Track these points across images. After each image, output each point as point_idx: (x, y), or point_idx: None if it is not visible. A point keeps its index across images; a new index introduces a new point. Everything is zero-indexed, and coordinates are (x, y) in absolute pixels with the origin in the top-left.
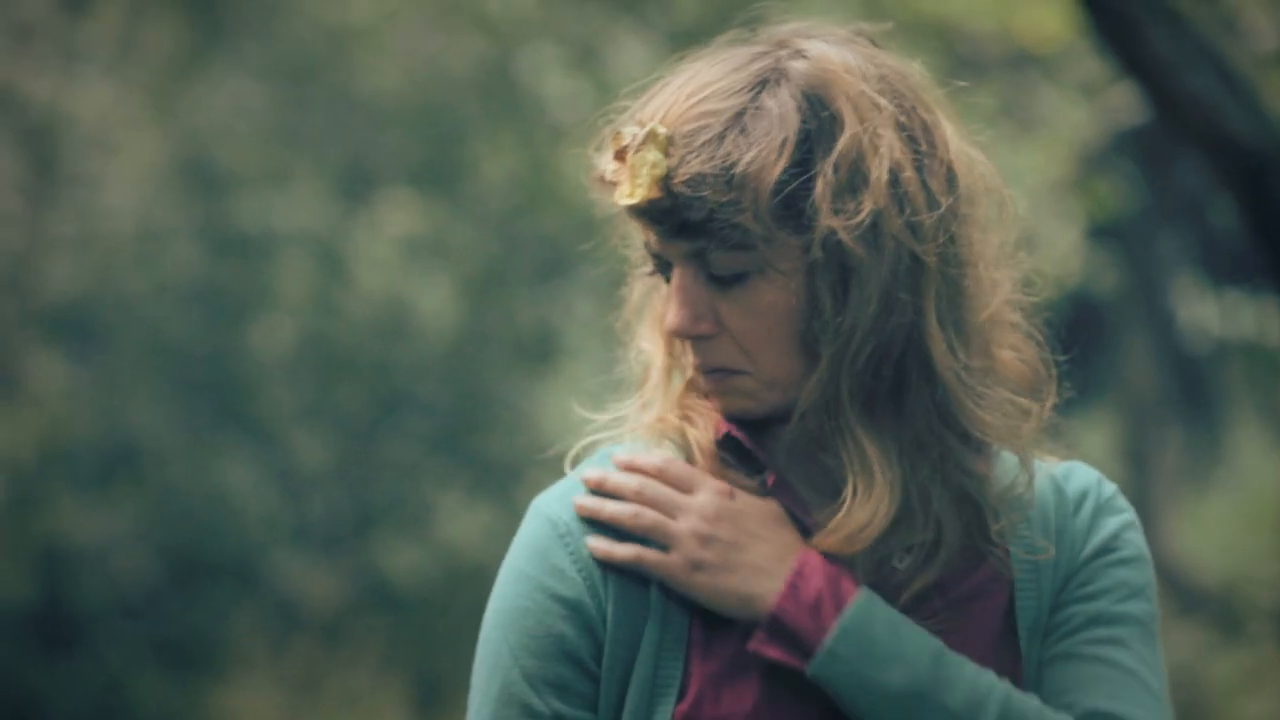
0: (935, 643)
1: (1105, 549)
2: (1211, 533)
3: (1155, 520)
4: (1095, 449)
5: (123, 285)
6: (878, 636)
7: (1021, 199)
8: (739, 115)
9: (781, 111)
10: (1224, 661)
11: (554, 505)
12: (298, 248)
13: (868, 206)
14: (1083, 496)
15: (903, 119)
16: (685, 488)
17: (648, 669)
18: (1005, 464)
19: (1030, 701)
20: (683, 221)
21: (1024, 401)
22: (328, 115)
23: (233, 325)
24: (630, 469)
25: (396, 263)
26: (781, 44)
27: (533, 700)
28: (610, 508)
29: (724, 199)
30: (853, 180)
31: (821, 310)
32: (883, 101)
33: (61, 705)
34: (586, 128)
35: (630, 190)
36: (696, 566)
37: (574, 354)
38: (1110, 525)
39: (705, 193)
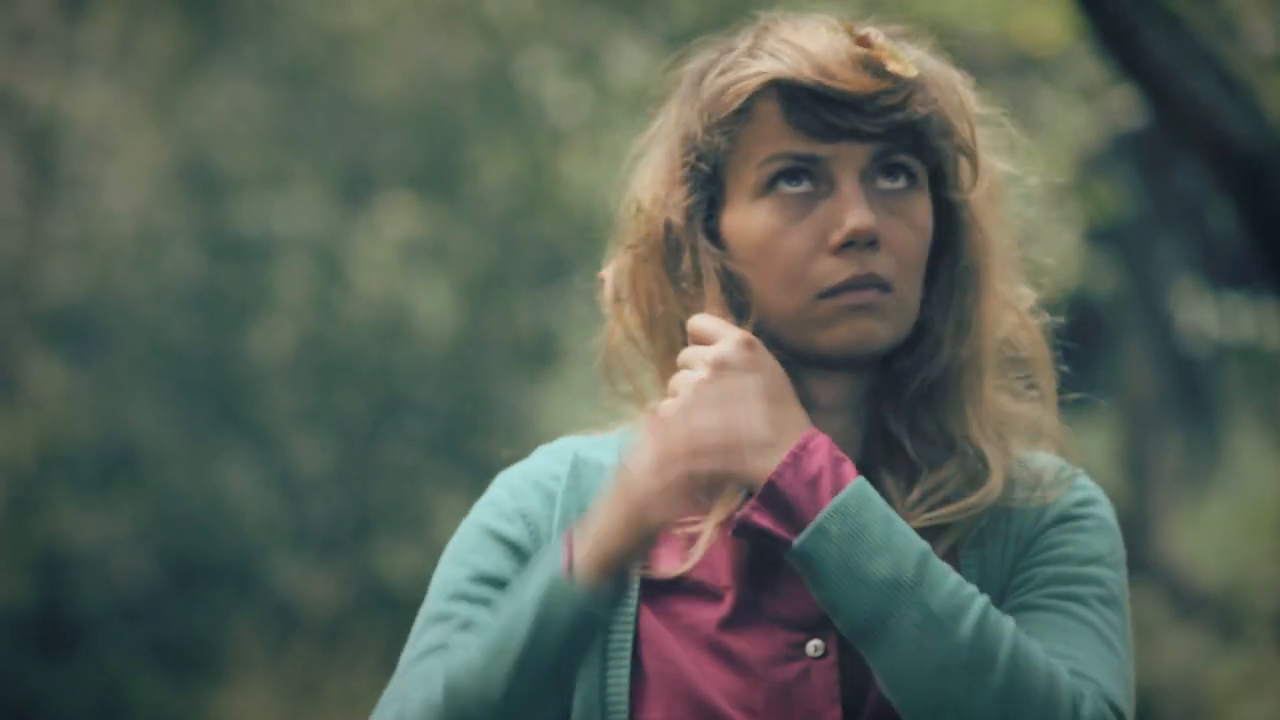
0: (923, 544)
1: (1067, 516)
2: (1211, 536)
3: (1154, 524)
4: (1094, 452)
5: (122, 288)
6: (869, 523)
7: (1020, 203)
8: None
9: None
10: (1223, 665)
11: (511, 475)
12: (297, 251)
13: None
14: (1041, 471)
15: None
16: (709, 339)
17: (599, 639)
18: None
19: (1007, 621)
20: (894, 117)
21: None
22: (327, 118)
23: (232, 328)
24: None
25: (396, 266)
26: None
27: (456, 608)
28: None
29: (928, 98)
30: (968, 133)
31: (957, 249)
32: None
33: (61, 708)
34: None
35: (890, 66)
36: (696, 403)
37: (574, 357)
38: (1073, 496)
39: (905, 94)
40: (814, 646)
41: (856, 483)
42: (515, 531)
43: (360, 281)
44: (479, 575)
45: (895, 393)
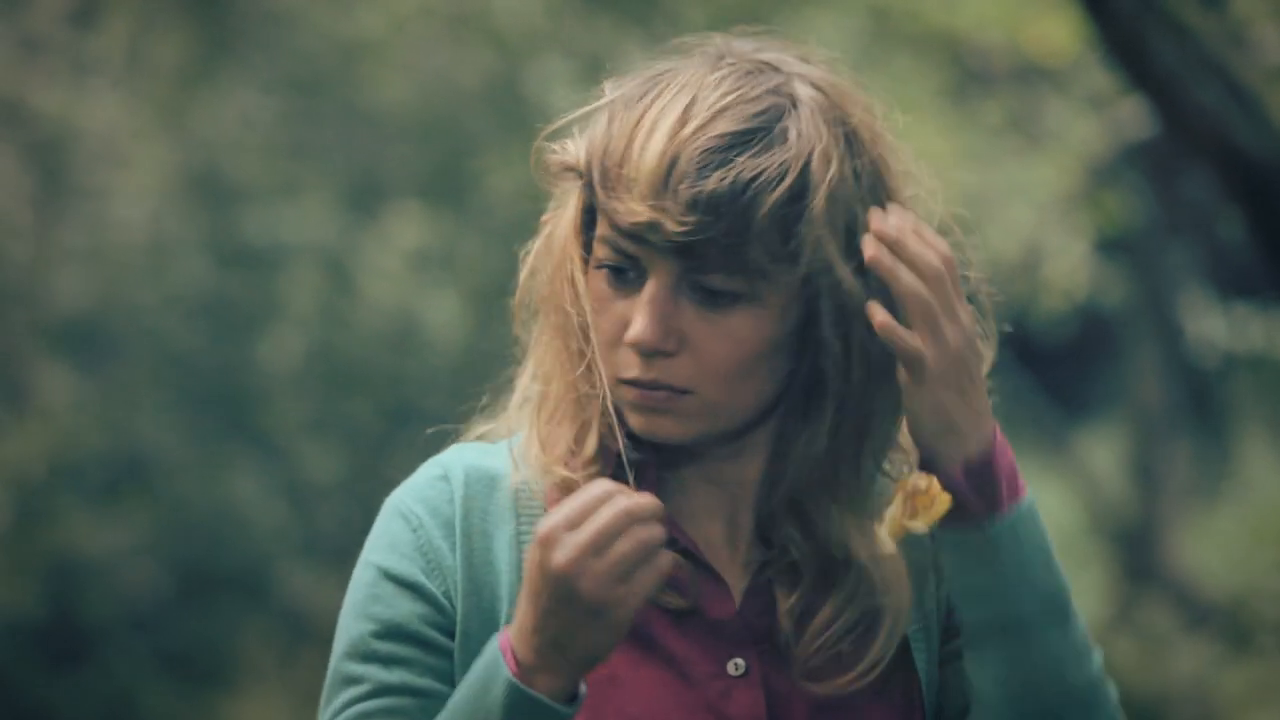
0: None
1: None
2: (1220, 546)
3: (1163, 533)
4: (1103, 462)
5: (131, 297)
6: (1043, 532)
7: (1029, 212)
8: (754, 136)
9: (797, 137)
10: (1233, 675)
11: (403, 500)
12: (306, 260)
13: (844, 271)
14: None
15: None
16: (959, 294)
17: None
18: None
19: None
20: (684, 242)
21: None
22: (336, 128)
23: (241, 338)
24: (927, 241)
25: (405, 275)
26: (774, 67)
27: (366, 670)
28: (905, 279)
29: (729, 222)
30: (849, 222)
31: (820, 349)
32: (865, 143)
33: (70, 717)
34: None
35: (634, 207)
36: (942, 376)
37: None
38: None
39: (715, 217)
40: (734, 665)
41: (1030, 488)
42: (417, 572)
43: (369, 291)
44: (387, 629)
45: (778, 465)
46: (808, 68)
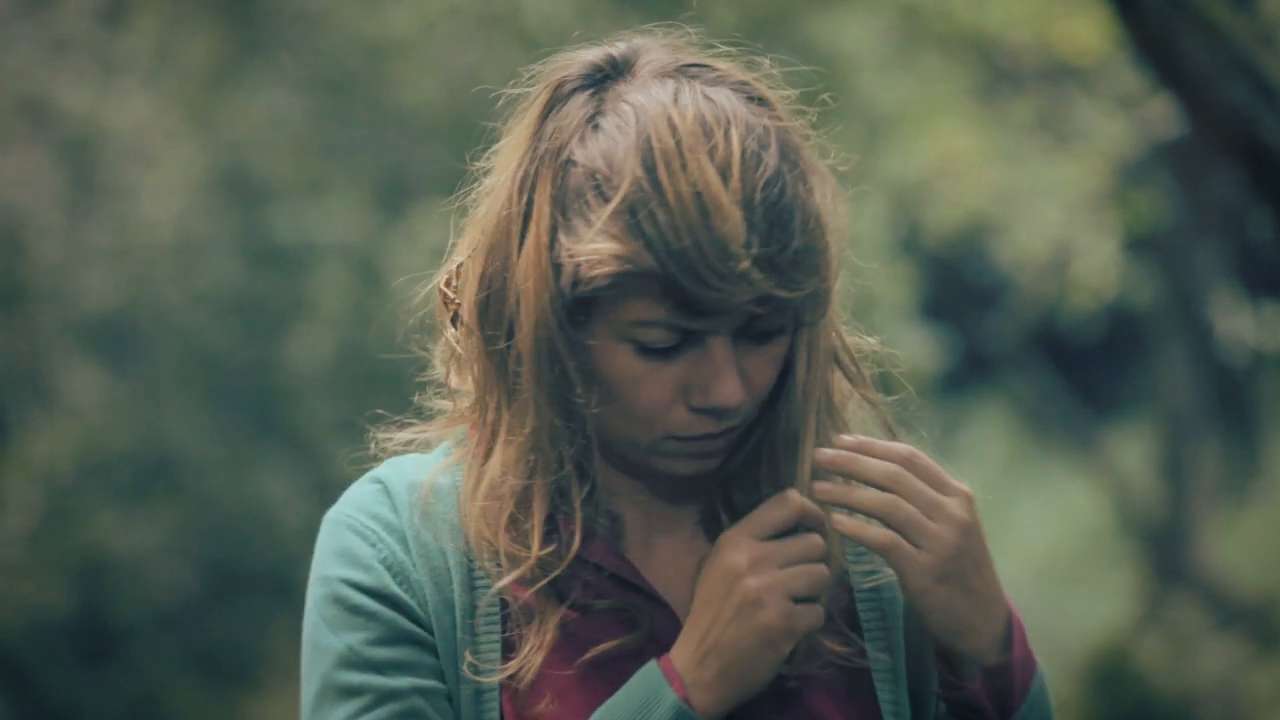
0: None
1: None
2: (1248, 545)
3: (1192, 532)
4: (1132, 461)
5: (160, 296)
6: (1049, 705)
7: (1059, 211)
8: (791, 171)
9: (817, 175)
10: (1261, 674)
11: (346, 514)
12: (335, 259)
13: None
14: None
15: None
16: (937, 485)
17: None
18: None
19: None
20: (775, 303)
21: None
22: (365, 127)
23: (270, 336)
24: (876, 454)
25: (433, 274)
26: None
27: (367, 680)
28: (863, 496)
29: (814, 273)
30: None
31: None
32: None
33: (99, 715)
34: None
35: (731, 292)
36: (943, 577)
37: None
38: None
39: (809, 266)
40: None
41: (1040, 662)
42: (389, 583)
43: (398, 290)
44: (379, 636)
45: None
46: (725, 68)
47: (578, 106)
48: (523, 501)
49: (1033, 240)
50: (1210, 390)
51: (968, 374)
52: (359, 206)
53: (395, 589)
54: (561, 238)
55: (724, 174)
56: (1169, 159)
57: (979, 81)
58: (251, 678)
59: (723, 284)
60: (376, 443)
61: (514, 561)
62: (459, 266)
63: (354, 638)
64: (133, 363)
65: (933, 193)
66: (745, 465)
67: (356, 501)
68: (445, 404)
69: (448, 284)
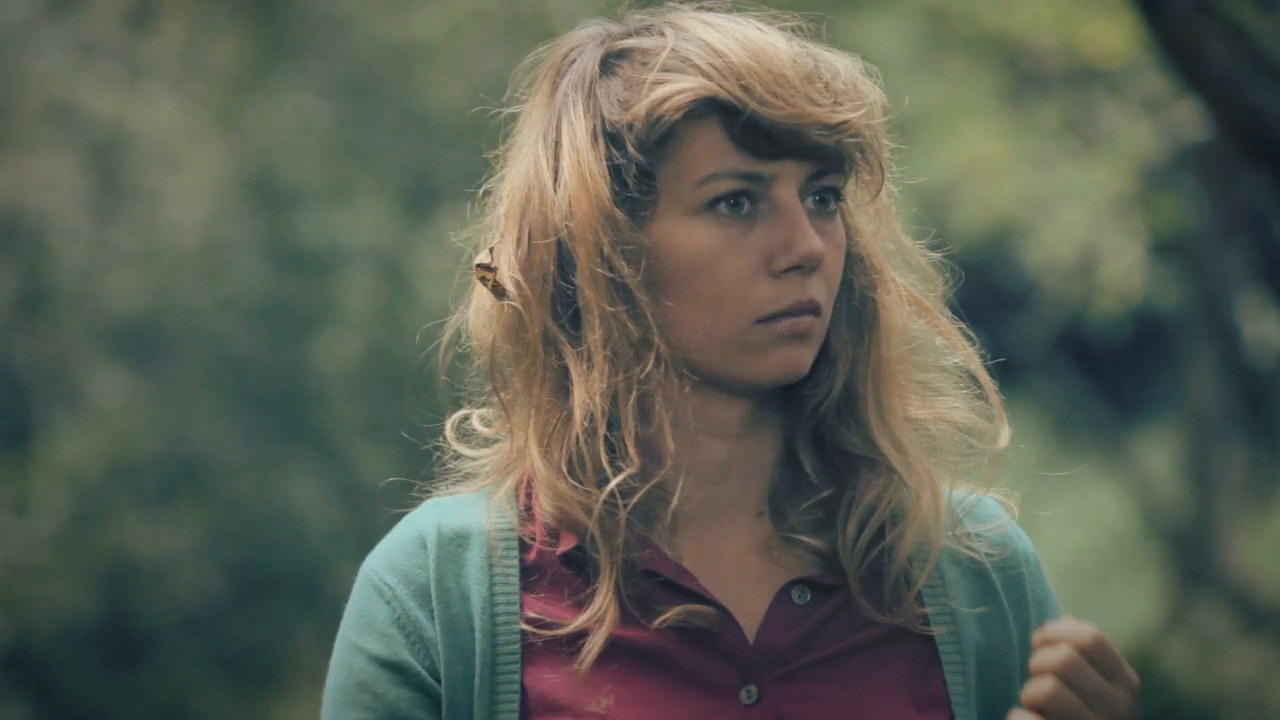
0: None
1: (1044, 592)
2: (1275, 549)
3: (1220, 536)
4: (1159, 465)
5: (187, 300)
6: None
7: (1085, 215)
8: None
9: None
10: None
11: (375, 569)
12: (361, 262)
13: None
14: (1020, 559)
15: None
16: (1110, 673)
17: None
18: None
19: None
20: (839, 138)
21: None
22: (391, 131)
23: (296, 340)
24: (1058, 638)
25: (459, 277)
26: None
27: None
28: (1032, 692)
29: (870, 113)
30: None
31: (867, 264)
32: None
33: (124, 719)
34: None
35: (800, 110)
36: None
37: None
38: (1055, 602)
39: (859, 106)
40: (746, 693)
41: None
42: (400, 649)
43: (424, 293)
44: (379, 717)
45: (798, 414)
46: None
47: (590, 53)
48: (606, 431)
49: (1059, 244)
50: (1237, 394)
51: (994, 377)
52: (385, 210)
53: (405, 655)
54: (610, 115)
55: (765, 32)
56: (1195, 162)
57: (1005, 85)
58: (277, 681)
59: (782, 103)
60: (421, 488)
61: (584, 510)
62: (491, 249)
63: (357, 715)
64: (159, 366)
65: (959, 196)
66: (803, 437)
67: (385, 553)
68: (485, 429)
69: (481, 266)
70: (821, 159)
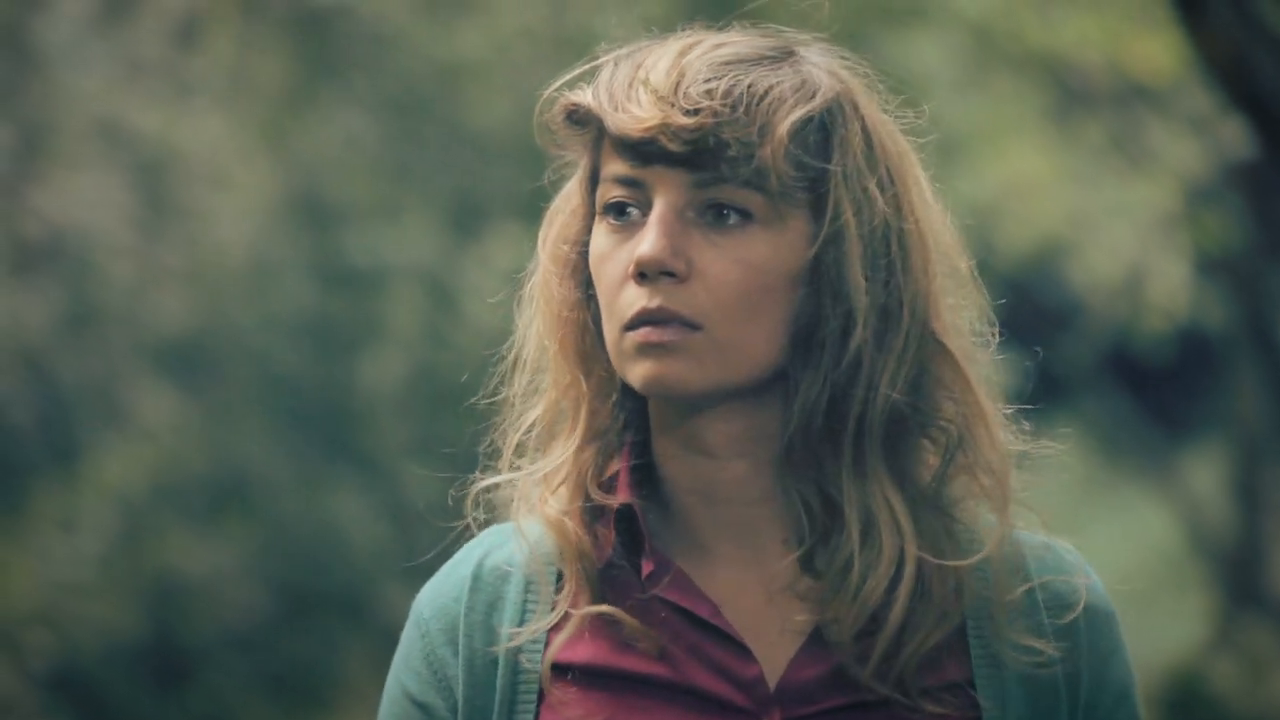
0: None
1: (1123, 696)
2: None
3: (1266, 556)
4: (1205, 483)
5: (233, 318)
6: None
7: (1131, 233)
8: (762, 59)
9: (810, 71)
10: None
11: (421, 600)
12: (408, 281)
13: (876, 195)
14: (1082, 611)
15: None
16: None
17: None
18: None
19: None
20: (695, 146)
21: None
22: (438, 149)
23: (343, 358)
24: None
25: (506, 297)
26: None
27: None
28: None
29: (744, 125)
30: (870, 162)
31: (837, 288)
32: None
33: None
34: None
35: (640, 114)
36: None
37: None
38: (1123, 659)
39: (724, 114)
40: None
41: None
42: (427, 689)
43: (471, 311)
44: None
45: (799, 433)
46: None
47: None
48: (598, 458)
49: (1105, 262)
50: None
51: (1039, 396)
52: (432, 228)
53: (431, 695)
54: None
55: (695, 42)
56: (1241, 180)
57: (1051, 103)
58: (324, 700)
59: (635, 107)
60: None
61: (594, 552)
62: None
63: None
64: (206, 384)
65: (1004, 214)
66: (803, 450)
67: (432, 584)
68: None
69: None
70: (696, 167)
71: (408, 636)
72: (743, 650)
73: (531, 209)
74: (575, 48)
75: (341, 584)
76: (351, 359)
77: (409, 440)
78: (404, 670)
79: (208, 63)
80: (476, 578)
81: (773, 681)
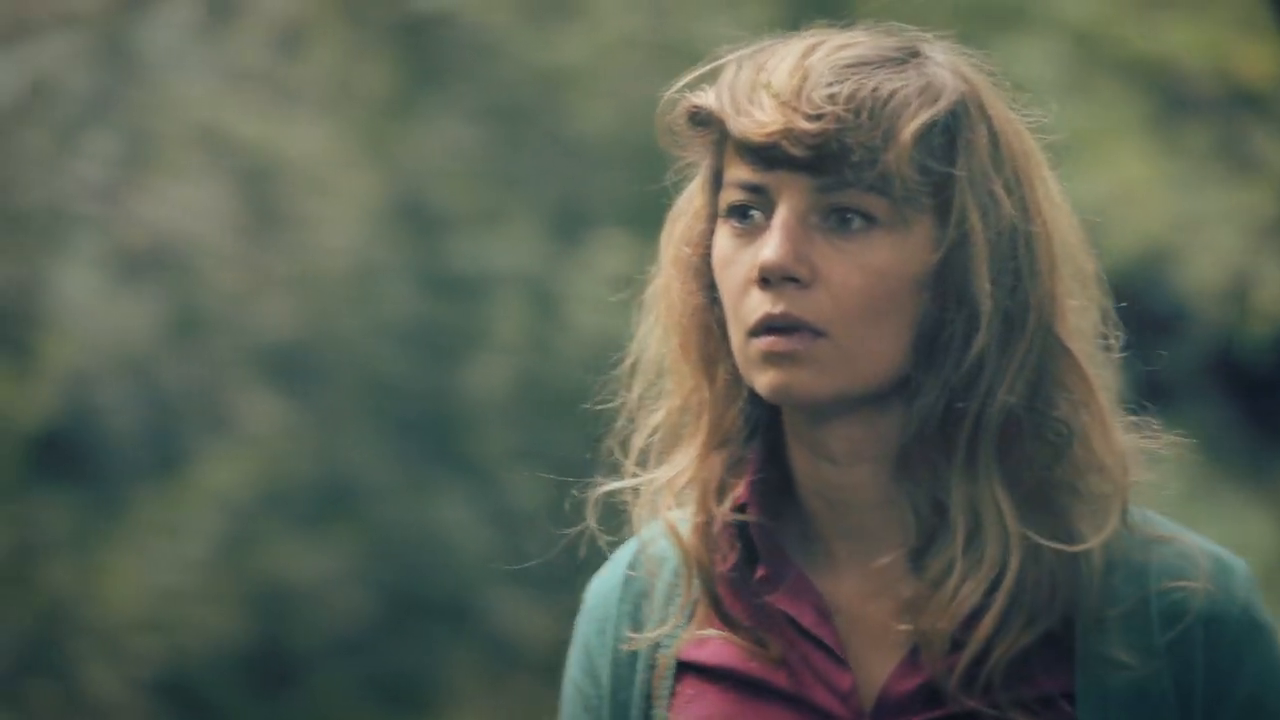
0: None
1: (1255, 707)
2: None
3: None
4: None
5: (339, 324)
6: None
7: (1236, 239)
8: (886, 61)
9: (934, 72)
10: None
11: (589, 587)
12: (512, 288)
13: (1002, 198)
14: (1193, 618)
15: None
16: None
17: None
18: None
19: None
20: (818, 151)
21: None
22: (541, 156)
23: (447, 364)
24: None
25: (610, 302)
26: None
27: None
28: None
29: (868, 130)
30: (996, 164)
31: (962, 293)
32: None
33: None
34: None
35: (763, 118)
36: None
37: None
38: (1255, 669)
39: (848, 119)
40: None
41: None
42: (583, 677)
43: (575, 318)
44: None
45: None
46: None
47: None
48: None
49: (1210, 268)
50: None
51: (1145, 403)
52: (535, 235)
53: (584, 682)
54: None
55: (819, 43)
56: None
57: (1155, 108)
58: (429, 705)
59: (758, 111)
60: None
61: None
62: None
63: None
64: (310, 390)
65: (1109, 220)
66: (919, 453)
67: (599, 573)
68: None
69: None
70: (819, 172)
71: (577, 622)
72: (839, 660)
73: (635, 215)
74: (678, 54)
75: (446, 589)
76: (456, 365)
77: (513, 446)
78: (573, 655)
79: (310, 70)
80: (633, 568)
81: (873, 692)
